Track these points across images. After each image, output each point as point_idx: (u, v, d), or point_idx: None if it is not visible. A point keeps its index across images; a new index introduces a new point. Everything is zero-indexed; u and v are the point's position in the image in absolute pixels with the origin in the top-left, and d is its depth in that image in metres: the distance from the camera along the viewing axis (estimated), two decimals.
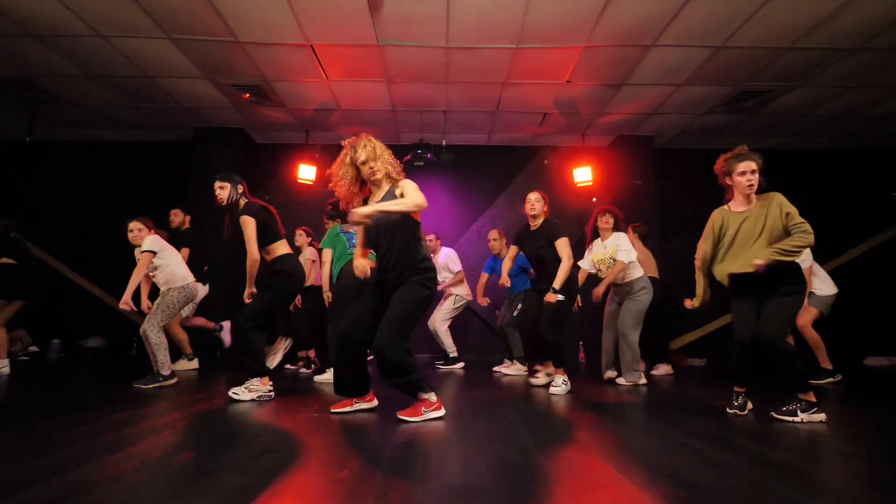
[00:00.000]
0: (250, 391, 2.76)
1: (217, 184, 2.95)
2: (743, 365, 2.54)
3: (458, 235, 5.98)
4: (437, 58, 4.09)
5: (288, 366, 4.50)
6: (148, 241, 3.40)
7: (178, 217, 4.71)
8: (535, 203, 3.35)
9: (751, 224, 2.46)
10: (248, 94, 4.74)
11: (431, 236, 4.89)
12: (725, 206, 2.62)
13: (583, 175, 5.62)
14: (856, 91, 4.56)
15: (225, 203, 2.94)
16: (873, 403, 3.00)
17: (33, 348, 5.18)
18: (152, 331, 3.25)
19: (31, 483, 1.40)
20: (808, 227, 2.33)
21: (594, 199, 5.96)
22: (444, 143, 5.59)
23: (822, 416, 2.34)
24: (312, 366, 4.30)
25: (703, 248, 2.66)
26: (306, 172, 5.54)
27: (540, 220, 3.38)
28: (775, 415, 2.40)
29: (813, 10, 3.39)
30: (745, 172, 2.46)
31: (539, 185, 6.09)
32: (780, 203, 2.44)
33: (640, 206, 5.65)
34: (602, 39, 3.79)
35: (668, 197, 5.92)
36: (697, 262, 2.69)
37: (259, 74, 4.40)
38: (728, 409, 2.55)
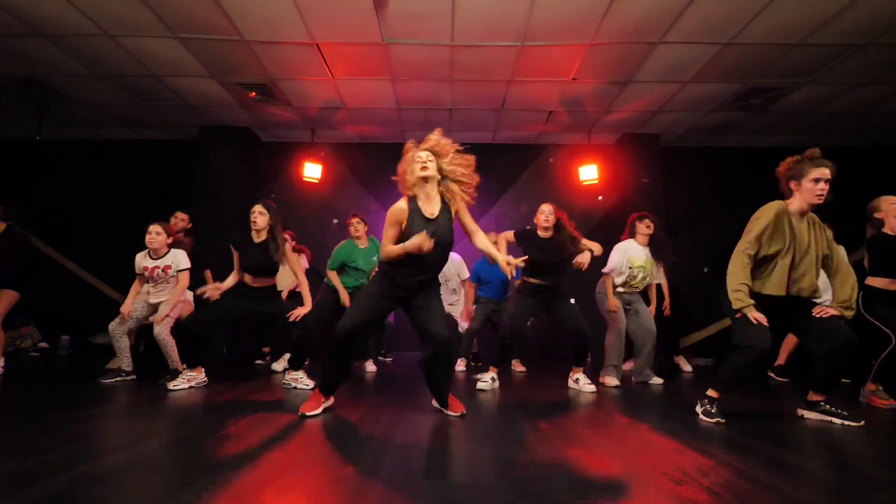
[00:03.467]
0: (188, 381, 3.09)
1: (258, 208, 3.12)
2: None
3: (461, 234, 5.96)
4: (441, 56, 4.08)
5: (258, 361, 4.66)
6: (184, 257, 3.46)
7: (183, 222, 4.25)
8: (549, 216, 3.40)
9: (814, 241, 2.34)
10: (253, 93, 4.76)
11: None
12: (784, 204, 2.39)
13: (588, 173, 5.59)
14: (866, 88, 4.50)
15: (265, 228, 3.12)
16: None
17: (43, 344, 5.26)
18: (165, 334, 3.31)
19: (41, 477, 1.42)
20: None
21: (600, 197, 5.94)
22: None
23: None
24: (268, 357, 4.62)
25: (753, 238, 2.33)
26: (312, 171, 5.56)
27: (551, 232, 3.41)
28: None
29: (822, 6, 3.35)
30: (820, 180, 2.26)
31: (544, 183, 6.09)
32: (825, 230, 2.39)
33: (646, 204, 5.61)
34: (608, 36, 3.77)
35: (675, 195, 5.88)
36: (749, 253, 2.33)
37: (265, 73, 4.42)
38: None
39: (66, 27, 3.71)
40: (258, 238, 3.13)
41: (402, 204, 2.31)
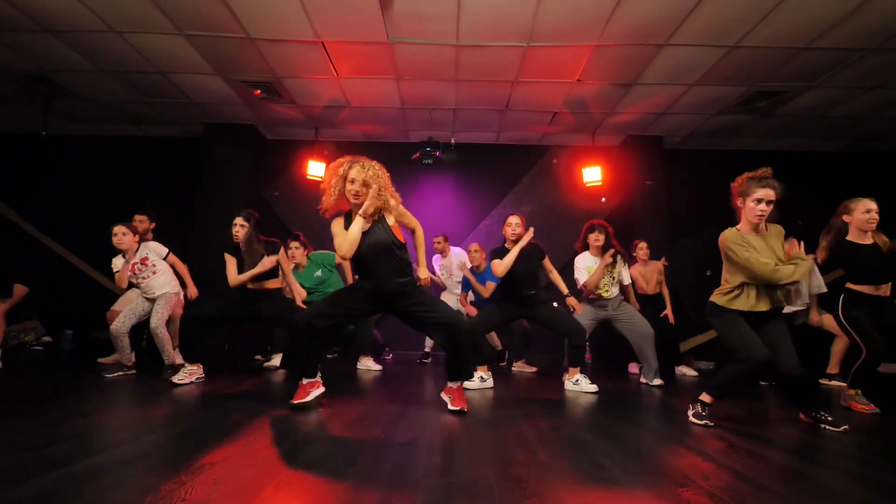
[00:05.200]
0: (190, 375, 3.15)
1: (239, 221, 3.20)
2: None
3: (465, 234, 5.98)
4: (447, 55, 4.09)
5: (258, 356, 4.69)
6: (157, 245, 3.60)
7: (143, 224, 4.06)
8: (516, 228, 3.38)
9: (776, 251, 2.34)
10: (258, 91, 4.77)
11: (440, 238, 4.91)
12: (737, 230, 2.38)
13: (592, 175, 5.58)
14: (872, 92, 4.49)
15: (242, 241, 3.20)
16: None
17: (47, 338, 5.29)
18: (161, 328, 3.42)
19: (43, 470, 1.43)
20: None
21: (603, 199, 5.93)
22: (452, 141, 5.58)
23: None
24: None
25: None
26: (316, 169, 5.57)
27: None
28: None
29: (829, 10, 3.34)
30: (762, 201, 2.27)
31: (547, 184, 6.09)
32: (781, 234, 2.38)
33: (649, 206, 5.61)
34: (613, 38, 3.76)
35: (678, 198, 5.87)
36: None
37: (270, 71, 4.43)
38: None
39: (74, 23, 3.72)
40: (243, 246, 3.23)
41: (340, 222, 2.49)
